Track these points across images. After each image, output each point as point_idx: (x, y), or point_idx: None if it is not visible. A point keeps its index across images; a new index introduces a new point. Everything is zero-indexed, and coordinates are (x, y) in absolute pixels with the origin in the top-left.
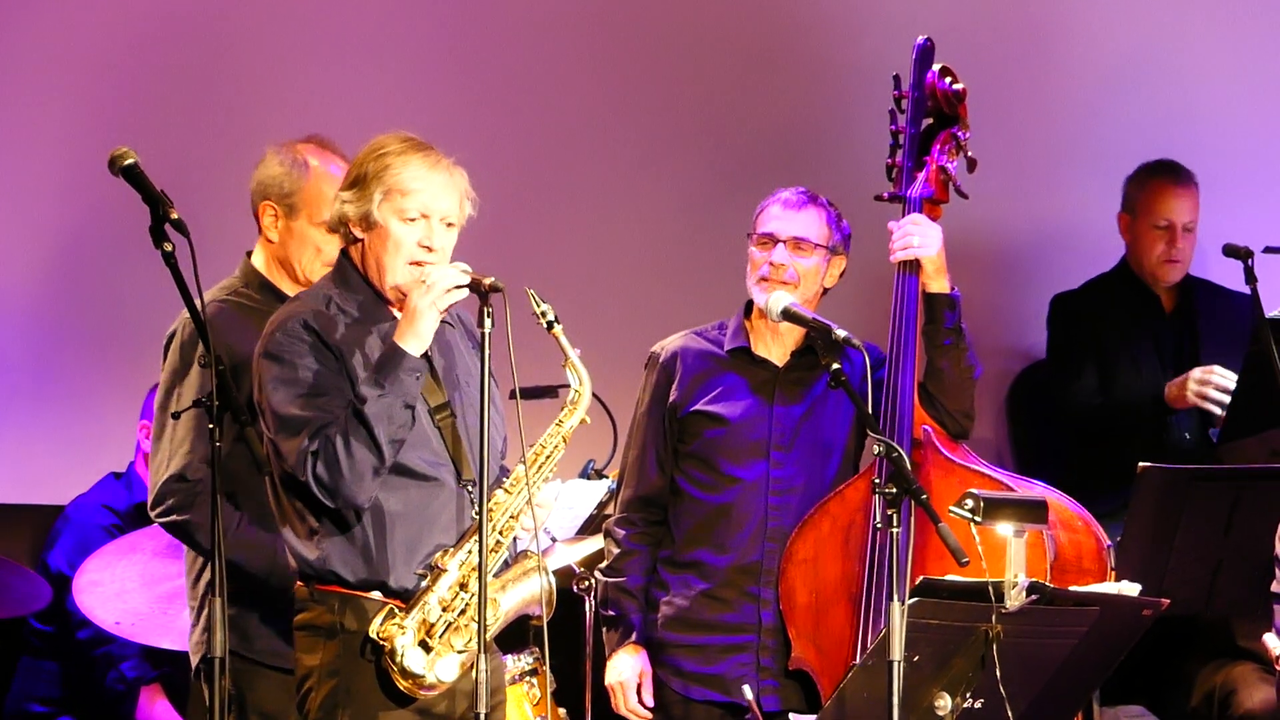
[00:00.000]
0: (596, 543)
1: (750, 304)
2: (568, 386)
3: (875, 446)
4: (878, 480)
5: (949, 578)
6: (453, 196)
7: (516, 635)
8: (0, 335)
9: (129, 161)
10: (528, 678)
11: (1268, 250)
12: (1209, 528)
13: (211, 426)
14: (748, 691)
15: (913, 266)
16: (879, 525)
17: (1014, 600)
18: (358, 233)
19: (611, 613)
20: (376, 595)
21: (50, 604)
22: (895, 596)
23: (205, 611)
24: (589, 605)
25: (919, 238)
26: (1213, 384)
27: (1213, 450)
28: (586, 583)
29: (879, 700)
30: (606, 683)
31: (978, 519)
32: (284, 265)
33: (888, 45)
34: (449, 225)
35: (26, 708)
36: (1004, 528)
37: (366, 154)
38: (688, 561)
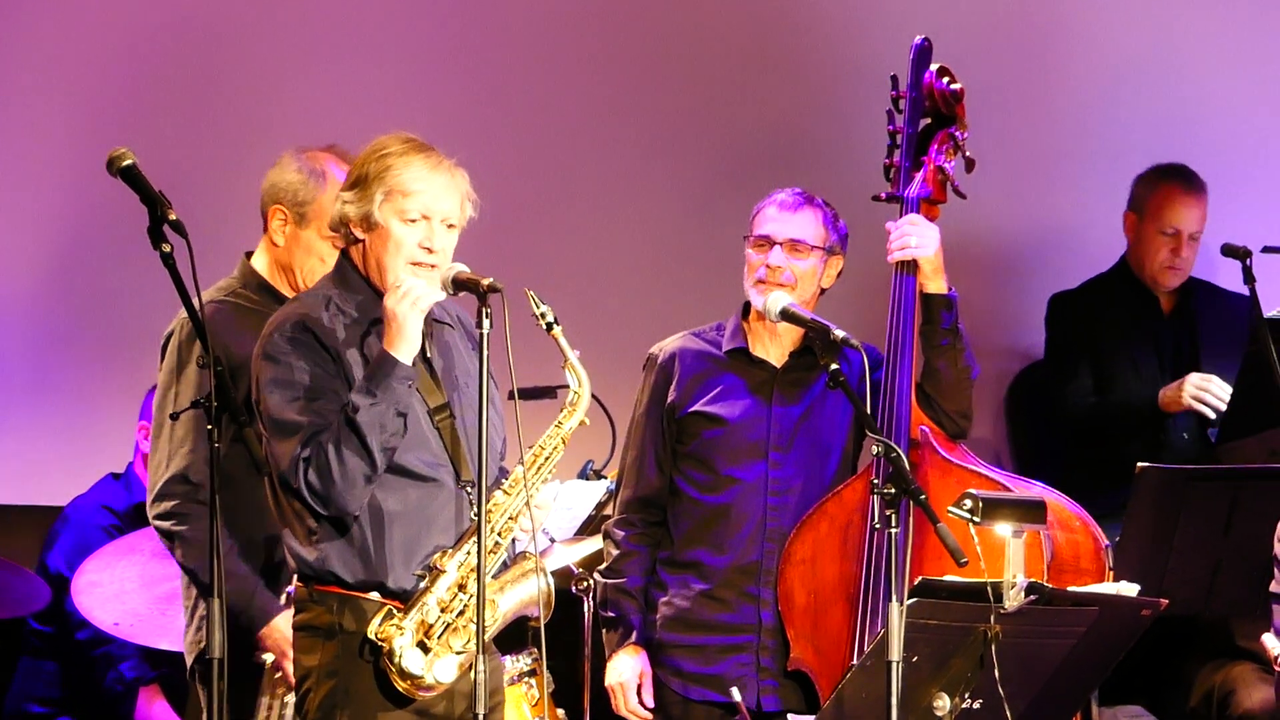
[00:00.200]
0: (595, 544)
1: (748, 305)
2: (566, 387)
3: (874, 447)
4: (876, 480)
5: (947, 578)
6: (454, 198)
7: (515, 636)
8: None
9: (127, 162)
10: (526, 679)
11: (1266, 250)
12: (1208, 528)
13: (210, 427)
14: (735, 693)
15: (910, 267)
16: (877, 525)
17: (1013, 600)
18: (358, 233)
19: (611, 614)
20: (375, 596)
21: (49, 604)
22: (894, 597)
23: (199, 611)
24: (588, 606)
25: (916, 238)
26: (1211, 391)
27: (1211, 450)
28: (585, 584)
29: (878, 701)
30: (606, 684)
31: (976, 519)
32: (286, 270)
33: (886, 45)
34: (450, 226)
35: (26, 708)
36: (1002, 528)
37: (368, 155)
38: (686, 562)
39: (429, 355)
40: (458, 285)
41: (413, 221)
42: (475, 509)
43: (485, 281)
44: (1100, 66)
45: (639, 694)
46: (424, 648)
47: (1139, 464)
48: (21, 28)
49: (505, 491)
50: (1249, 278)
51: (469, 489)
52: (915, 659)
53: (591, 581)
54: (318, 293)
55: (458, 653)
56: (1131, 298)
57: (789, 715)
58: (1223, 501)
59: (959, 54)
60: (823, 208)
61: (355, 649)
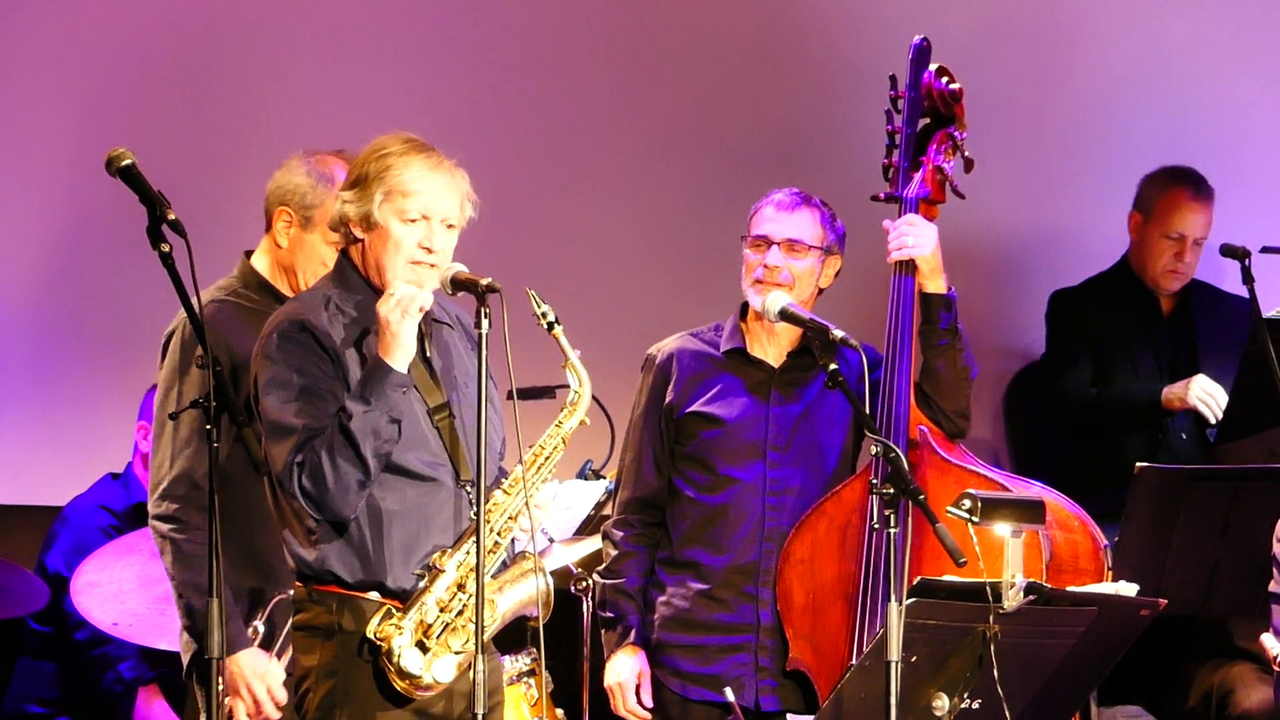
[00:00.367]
0: (594, 544)
1: (746, 305)
2: (566, 387)
3: (873, 447)
4: (875, 480)
5: (946, 578)
6: (454, 198)
7: (514, 636)
8: None
9: (126, 162)
10: (525, 678)
11: (1265, 250)
12: (1207, 528)
13: (209, 428)
14: (729, 693)
15: (909, 267)
16: (876, 525)
17: (1011, 600)
18: (358, 233)
19: (610, 614)
20: (374, 596)
21: (48, 605)
22: (893, 597)
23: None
24: (587, 606)
25: (914, 238)
26: (1215, 399)
27: (1210, 450)
28: (584, 584)
29: (876, 701)
30: (605, 684)
31: (975, 519)
32: (287, 272)
33: (885, 45)
34: (449, 227)
35: (24, 708)
36: (1001, 528)
37: (368, 154)
38: (685, 562)
39: (428, 355)
40: (457, 285)
41: (412, 221)
42: (474, 509)
43: (484, 281)
44: (1100, 66)
45: (638, 694)
46: (423, 647)
47: (1138, 464)
48: (21, 28)
49: (505, 491)
50: (1248, 278)
51: (468, 489)
52: (914, 659)
53: (590, 582)
54: (317, 293)
55: (456, 652)
56: (1132, 297)
57: (788, 715)
58: (1221, 502)
59: (958, 54)
60: (820, 207)
61: (354, 649)
